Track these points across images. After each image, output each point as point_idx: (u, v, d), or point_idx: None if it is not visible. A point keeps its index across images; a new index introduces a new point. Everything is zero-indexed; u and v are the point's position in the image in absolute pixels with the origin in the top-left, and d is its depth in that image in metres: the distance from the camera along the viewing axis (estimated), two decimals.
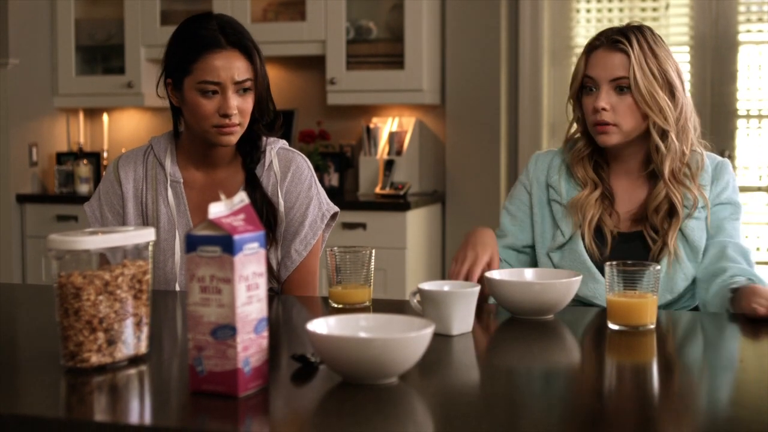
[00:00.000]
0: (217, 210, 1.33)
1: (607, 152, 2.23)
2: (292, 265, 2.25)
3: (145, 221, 2.25)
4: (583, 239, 2.16)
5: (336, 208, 2.30)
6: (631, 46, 2.12)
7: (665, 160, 2.14)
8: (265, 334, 1.38)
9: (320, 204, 2.28)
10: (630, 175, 2.22)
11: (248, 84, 2.16)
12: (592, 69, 2.15)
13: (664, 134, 2.14)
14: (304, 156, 2.32)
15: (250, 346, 1.35)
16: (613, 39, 2.14)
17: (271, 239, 2.23)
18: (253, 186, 2.23)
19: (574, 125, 2.26)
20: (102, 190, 2.30)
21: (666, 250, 2.13)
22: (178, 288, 2.22)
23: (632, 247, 2.16)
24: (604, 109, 2.12)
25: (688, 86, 4.43)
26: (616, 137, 2.14)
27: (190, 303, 1.35)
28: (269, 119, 2.26)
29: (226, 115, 2.13)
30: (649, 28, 2.19)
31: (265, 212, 2.21)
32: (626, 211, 2.21)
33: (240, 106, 2.15)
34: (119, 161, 2.30)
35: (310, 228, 2.25)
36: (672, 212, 2.15)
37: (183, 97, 2.18)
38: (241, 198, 1.37)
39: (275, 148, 2.28)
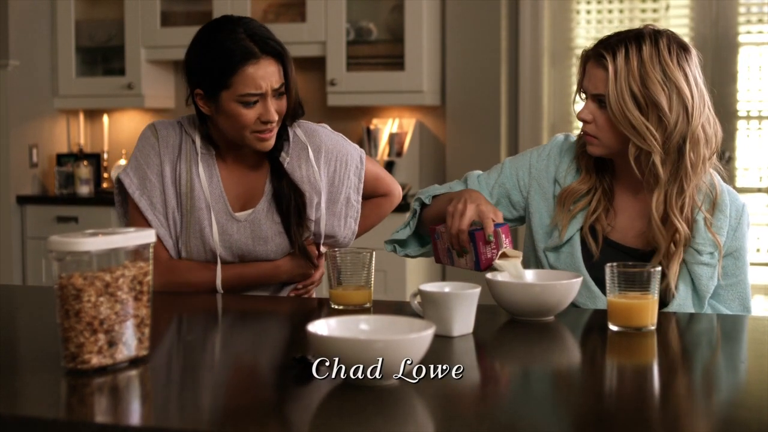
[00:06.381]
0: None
1: (612, 163, 2.16)
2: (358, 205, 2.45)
3: (177, 188, 2.25)
4: (578, 241, 2.12)
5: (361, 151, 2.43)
6: (615, 63, 2.02)
7: (654, 188, 2.04)
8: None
9: (353, 158, 2.39)
10: (632, 189, 2.14)
11: (283, 88, 2.20)
12: (584, 80, 2.11)
13: (647, 156, 2.03)
14: (324, 125, 2.40)
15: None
16: (598, 53, 2.07)
17: (303, 222, 2.28)
18: (279, 176, 2.28)
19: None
20: (140, 155, 2.31)
21: (669, 292, 2.04)
22: (220, 253, 2.24)
23: (624, 258, 2.08)
24: (586, 120, 2.08)
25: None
26: (599, 149, 2.09)
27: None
28: (299, 117, 2.32)
29: (268, 122, 2.17)
30: (655, 37, 2.04)
31: (293, 199, 2.26)
32: (624, 226, 2.14)
33: (278, 110, 2.20)
34: (156, 125, 2.33)
35: (354, 190, 2.40)
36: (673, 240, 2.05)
37: (219, 107, 2.18)
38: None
39: (296, 128, 2.34)
